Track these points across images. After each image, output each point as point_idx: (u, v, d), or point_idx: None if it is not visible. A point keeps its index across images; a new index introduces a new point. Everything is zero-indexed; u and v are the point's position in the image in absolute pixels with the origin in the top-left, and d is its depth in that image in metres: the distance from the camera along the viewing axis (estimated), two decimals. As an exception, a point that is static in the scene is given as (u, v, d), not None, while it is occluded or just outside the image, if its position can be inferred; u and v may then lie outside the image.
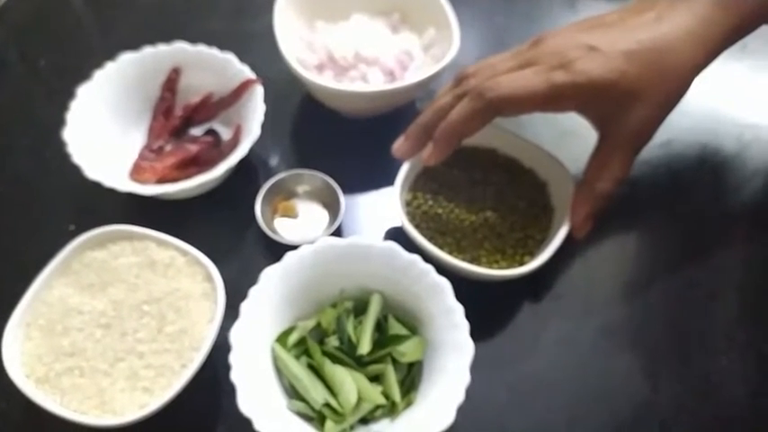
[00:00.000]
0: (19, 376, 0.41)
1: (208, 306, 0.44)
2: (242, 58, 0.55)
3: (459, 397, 0.39)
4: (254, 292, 0.42)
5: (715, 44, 0.45)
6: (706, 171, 0.57)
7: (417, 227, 0.49)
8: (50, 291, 0.44)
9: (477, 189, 0.52)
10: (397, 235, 0.51)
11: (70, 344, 0.42)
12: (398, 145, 0.49)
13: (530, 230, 0.50)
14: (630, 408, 0.45)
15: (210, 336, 0.42)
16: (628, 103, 0.44)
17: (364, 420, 0.42)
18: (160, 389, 0.41)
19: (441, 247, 0.47)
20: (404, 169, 0.50)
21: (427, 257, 0.44)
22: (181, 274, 0.45)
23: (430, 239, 0.47)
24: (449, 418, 0.38)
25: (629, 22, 0.45)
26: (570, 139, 0.51)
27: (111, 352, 0.42)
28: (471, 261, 0.47)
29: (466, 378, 0.39)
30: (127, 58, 0.55)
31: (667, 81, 0.44)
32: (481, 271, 0.46)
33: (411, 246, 0.45)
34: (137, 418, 0.39)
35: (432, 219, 0.50)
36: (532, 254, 0.48)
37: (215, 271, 0.44)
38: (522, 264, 0.48)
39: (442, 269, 0.43)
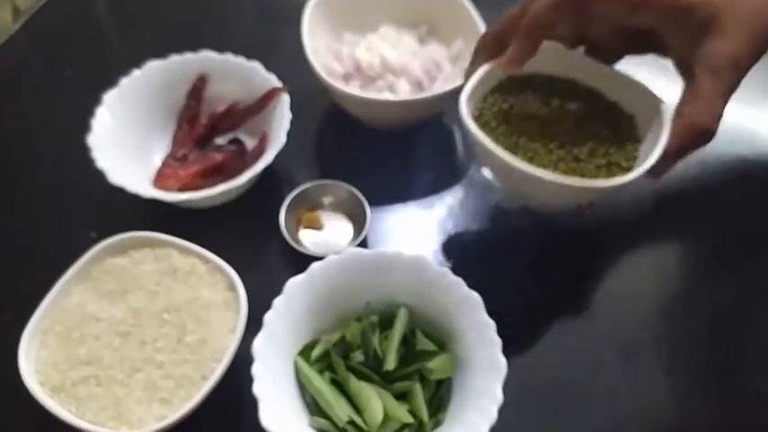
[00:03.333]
0: (33, 384, 0.39)
1: (229, 316, 0.42)
2: (268, 68, 0.54)
3: (492, 417, 0.37)
4: (277, 302, 0.41)
5: None
6: (746, 188, 0.55)
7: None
8: (68, 298, 0.43)
9: (552, 112, 0.46)
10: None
11: (87, 352, 0.41)
12: (467, 68, 0.47)
13: (614, 157, 0.44)
14: (671, 427, 0.43)
15: (232, 346, 0.40)
16: (709, 29, 0.42)
17: (389, 440, 0.40)
18: (179, 400, 0.39)
19: None
20: (471, 83, 0.44)
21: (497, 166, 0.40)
22: (202, 283, 0.43)
23: None
24: (481, 439, 0.36)
25: None
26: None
27: (128, 361, 0.41)
28: None
29: (499, 397, 0.37)
30: (153, 66, 0.54)
31: (748, 15, 0.42)
32: (564, 182, 0.40)
33: (440, 257, 0.44)
34: (154, 430, 0.38)
35: (501, 135, 0.45)
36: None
37: (237, 279, 0.43)
38: None
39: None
